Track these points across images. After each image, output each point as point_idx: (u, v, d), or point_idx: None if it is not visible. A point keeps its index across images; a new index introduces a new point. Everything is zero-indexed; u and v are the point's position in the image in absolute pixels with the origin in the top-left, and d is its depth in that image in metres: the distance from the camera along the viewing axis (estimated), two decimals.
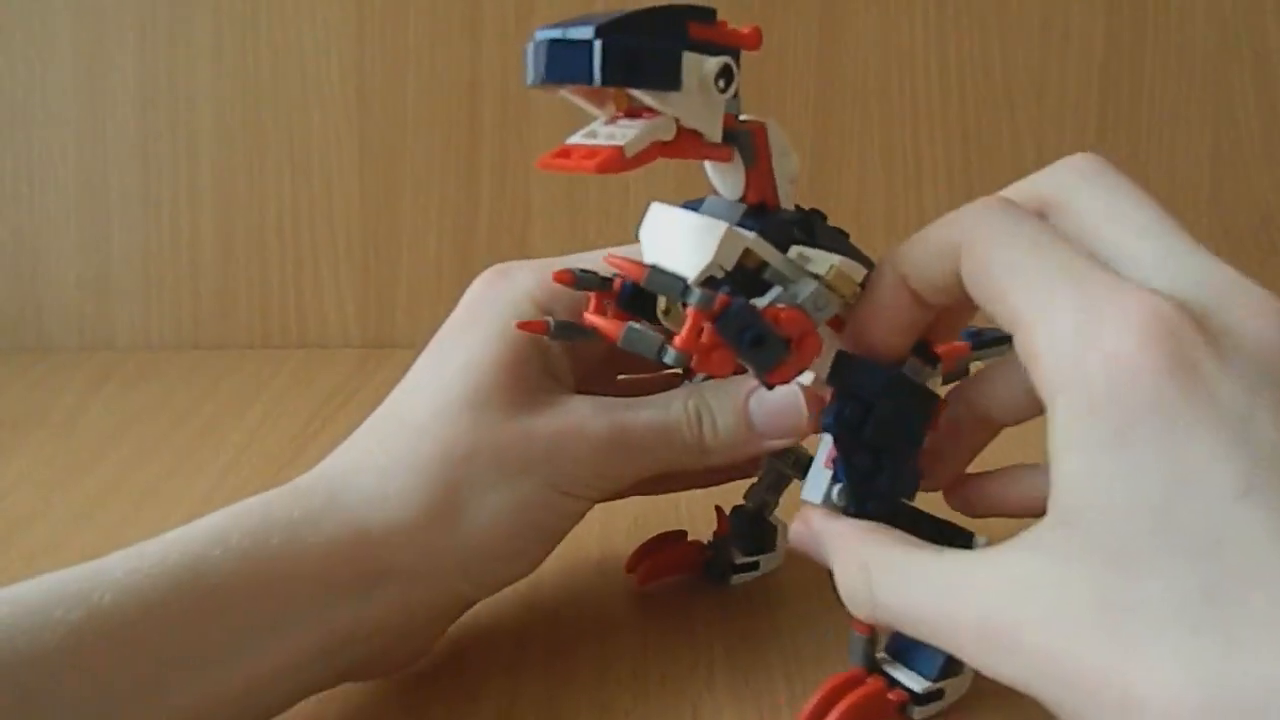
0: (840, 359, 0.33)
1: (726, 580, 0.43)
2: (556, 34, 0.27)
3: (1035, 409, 0.34)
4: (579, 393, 0.37)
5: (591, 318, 0.33)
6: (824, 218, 0.34)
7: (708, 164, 0.32)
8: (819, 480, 0.34)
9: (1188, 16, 0.75)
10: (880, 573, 0.30)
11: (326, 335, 0.78)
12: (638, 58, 0.27)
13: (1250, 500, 0.23)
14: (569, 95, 0.29)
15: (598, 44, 0.26)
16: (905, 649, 0.36)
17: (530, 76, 0.28)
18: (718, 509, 0.43)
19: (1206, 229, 0.76)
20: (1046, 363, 0.27)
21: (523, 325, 0.35)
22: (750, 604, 0.42)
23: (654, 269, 0.31)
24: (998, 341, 0.40)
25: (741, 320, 0.29)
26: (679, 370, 0.41)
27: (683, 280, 0.30)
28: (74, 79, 0.75)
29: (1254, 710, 0.22)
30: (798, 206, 0.33)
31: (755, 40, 0.30)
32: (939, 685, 0.35)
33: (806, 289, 0.31)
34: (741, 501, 0.43)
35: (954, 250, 0.30)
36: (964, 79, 0.76)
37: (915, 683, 0.35)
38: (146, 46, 0.75)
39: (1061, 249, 0.29)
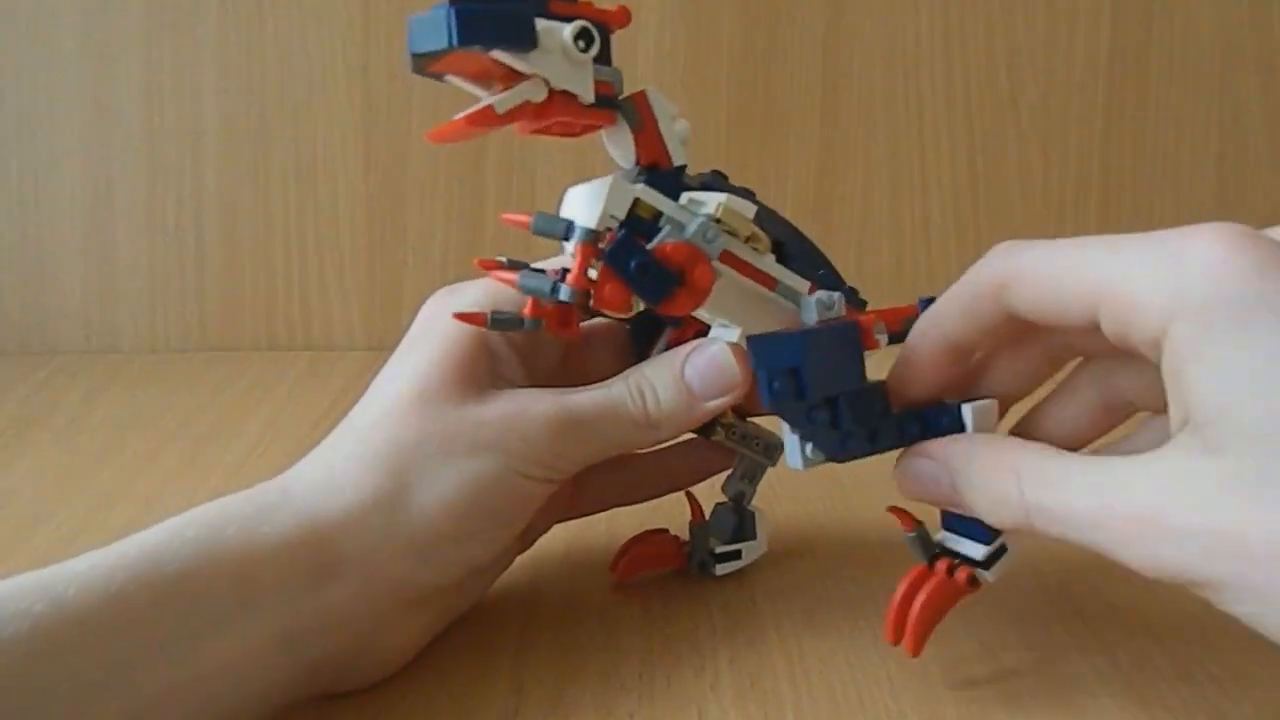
0: (751, 342, 0.35)
1: (710, 570, 0.43)
2: (419, 15, 0.30)
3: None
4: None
5: (494, 274, 0.36)
6: (725, 178, 0.36)
7: (605, 138, 0.35)
8: (793, 448, 0.35)
9: (1194, 20, 0.75)
10: (1032, 474, 0.32)
11: (332, 338, 0.78)
12: (489, 19, 0.30)
13: None
14: (455, 81, 0.32)
15: (451, 11, 0.29)
16: (957, 522, 0.36)
17: (408, 54, 0.31)
18: (689, 495, 0.43)
19: None
20: (1145, 307, 0.30)
21: (460, 316, 0.36)
22: (755, 606, 0.42)
23: (540, 215, 0.34)
24: None
25: (626, 251, 0.32)
26: None
27: (567, 221, 0.33)
28: (80, 83, 0.76)
29: None
30: (701, 173, 0.36)
31: (623, 18, 0.33)
32: (998, 544, 0.36)
33: (694, 223, 0.34)
34: (720, 498, 0.44)
35: (997, 288, 0.33)
36: (969, 82, 0.76)
37: (975, 550, 0.35)
38: (152, 50, 0.75)
39: (1091, 238, 0.32)
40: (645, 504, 0.45)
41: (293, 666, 0.34)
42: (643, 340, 0.40)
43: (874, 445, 0.35)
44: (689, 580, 0.44)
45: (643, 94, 0.34)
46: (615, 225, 0.33)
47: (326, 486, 0.36)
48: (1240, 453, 0.28)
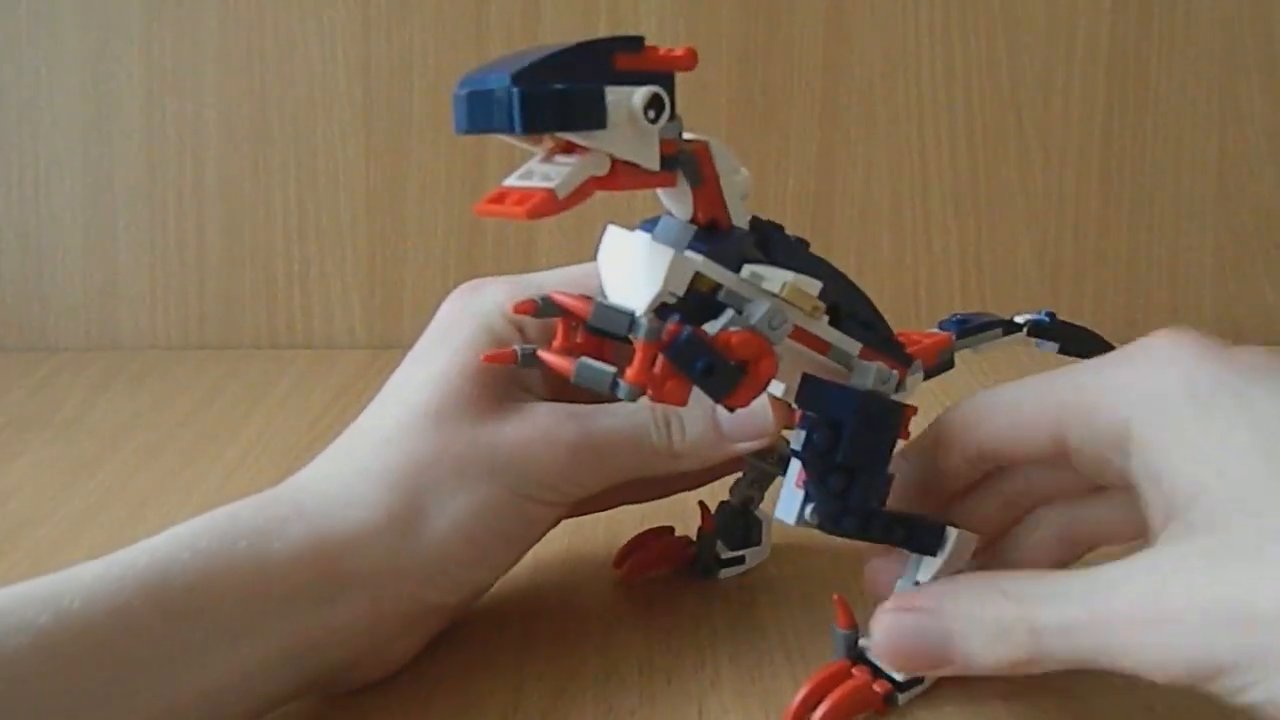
0: (807, 383, 0.33)
1: (713, 575, 0.44)
2: (475, 84, 0.27)
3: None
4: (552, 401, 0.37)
5: (545, 355, 0.33)
6: (781, 230, 0.34)
7: (660, 193, 0.32)
8: (791, 501, 0.34)
9: (1194, 17, 0.75)
10: (1029, 595, 0.29)
11: (332, 336, 0.78)
12: (557, 102, 0.27)
13: None
14: (504, 137, 0.28)
15: (515, 92, 0.26)
16: None
17: (456, 125, 0.28)
18: (702, 505, 0.43)
19: (1212, 229, 0.76)
20: (1108, 404, 0.31)
21: (490, 357, 0.35)
22: (754, 602, 0.42)
23: (599, 305, 0.31)
24: (983, 329, 0.40)
25: (691, 350, 0.29)
26: None
27: (629, 314, 0.30)
28: (80, 80, 0.76)
29: None
30: (755, 219, 0.33)
31: (689, 61, 0.29)
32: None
33: (759, 310, 0.31)
34: (726, 498, 0.44)
35: (962, 429, 0.35)
36: (970, 81, 0.76)
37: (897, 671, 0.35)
38: (153, 47, 0.75)
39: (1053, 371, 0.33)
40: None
41: (294, 678, 0.34)
42: None
43: (864, 532, 0.34)
44: (689, 578, 0.44)
45: (705, 147, 0.31)
46: (672, 300, 0.31)
47: (339, 502, 0.35)
48: (1231, 523, 0.27)
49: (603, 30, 0.74)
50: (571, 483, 0.36)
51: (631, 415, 0.36)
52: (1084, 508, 0.35)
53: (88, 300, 0.78)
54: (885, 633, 0.32)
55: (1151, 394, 0.30)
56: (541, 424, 0.36)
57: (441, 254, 0.77)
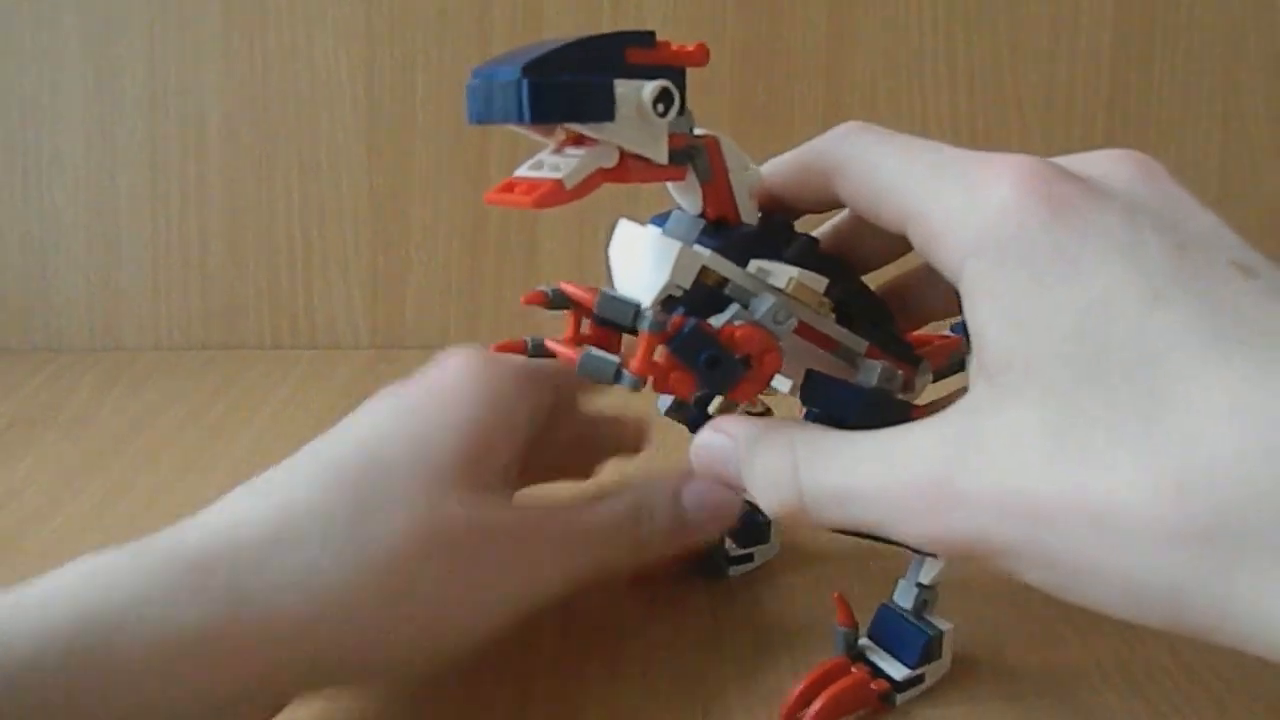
0: (811, 379, 0.33)
1: (722, 573, 0.44)
2: (487, 75, 0.27)
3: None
4: (532, 453, 0.37)
5: (552, 344, 0.33)
6: (790, 226, 0.34)
7: (670, 186, 0.32)
8: None
9: (1197, 15, 0.75)
10: (807, 449, 0.29)
11: (336, 336, 0.78)
12: (566, 93, 0.27)
13: (1160, 308, 0.25)
14: (515, 128, 0.29)
15: (525, 83, 0.26)
16: (887, 636, 0.36)
17: (468, 116, 0.28)
18: None
19: None
20: (945, 240, 0.28)
21: (501, 347, 0.35)
22: (759, 604, 0.42)
23: (605, 295, 0.31)
24: None
25: (696, 342, 0.29)
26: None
27: (634, 305, 0.30)
28: (83, 80, 0.76)
29: (1230, 482, 0.22)
30: (764, 216, 0.33)
31: (701, 57, 0.30)
32: (919, 671, 0.35)
33: (764, 304, 0.31)
34: None
35: (826, 175, 0.32)
36: (972, 80, 0.76)
37: (896, 670, 0.35)
38: (155, 47, 0.75)
39: (926, 145, 0.30)
40: None
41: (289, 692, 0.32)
42: None
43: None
44: (697, 576, 0.44)
45: (714, 142, 0.31)
46: (679, 293, 0.31)
47: (302, 588, 0.30)
48: (1030, 404, 0.25)
49: (605, 30, 0.74)
50: (552, 580, 0.35)
51: (612, 509, 0.36)
52: None
53: (91, 301, 0.78)
54: (700, 441, 0.33)
55: (990, 239, 0.27)
56: (529, 524, 0.35)
57: (445, 254, 0.77)
